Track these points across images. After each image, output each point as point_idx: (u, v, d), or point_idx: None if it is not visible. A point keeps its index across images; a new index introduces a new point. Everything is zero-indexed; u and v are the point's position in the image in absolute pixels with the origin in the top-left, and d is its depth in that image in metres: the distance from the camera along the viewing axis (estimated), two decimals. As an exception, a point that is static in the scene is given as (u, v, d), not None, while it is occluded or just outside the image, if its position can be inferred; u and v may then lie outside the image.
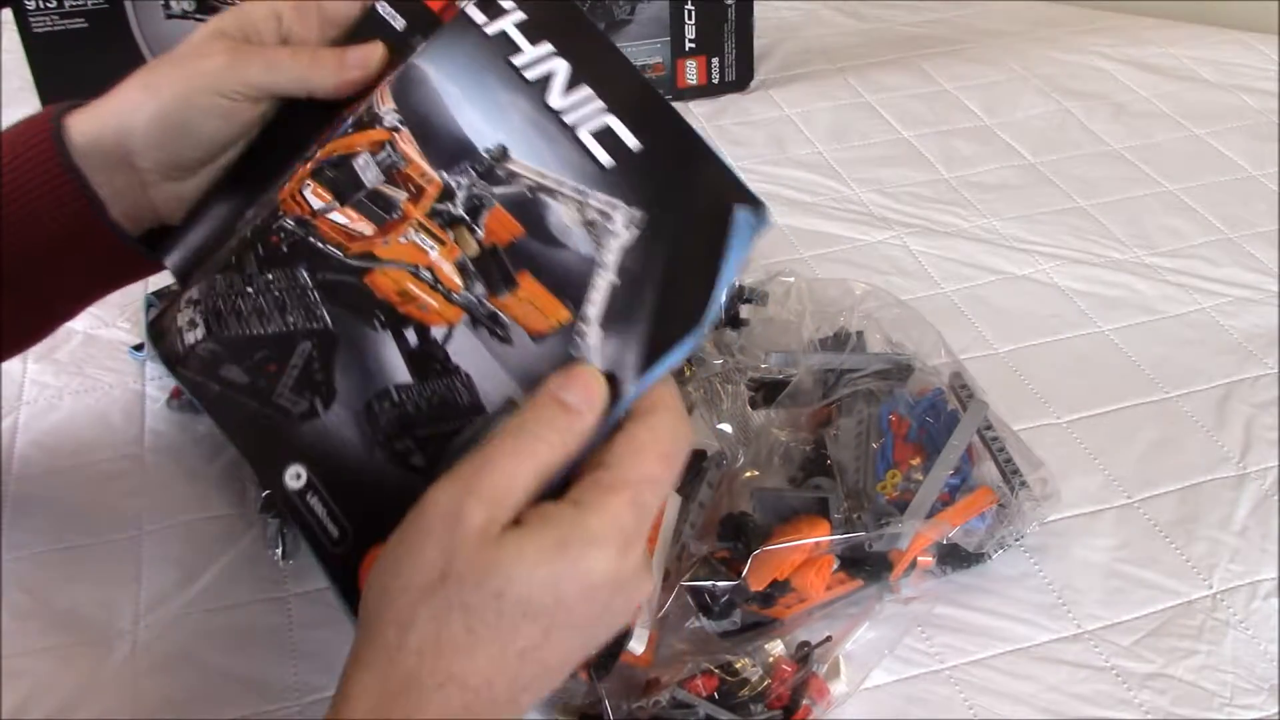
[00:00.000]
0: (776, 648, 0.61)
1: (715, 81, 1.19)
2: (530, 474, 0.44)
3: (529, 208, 0.49)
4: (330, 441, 0.50)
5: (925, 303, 0.87)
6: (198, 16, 1.04)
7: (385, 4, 0.59)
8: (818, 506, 0.64)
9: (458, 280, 0.50)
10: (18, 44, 1.02)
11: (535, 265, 0.49)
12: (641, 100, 0.49)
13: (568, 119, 0.49)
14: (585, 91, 0.49)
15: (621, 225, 0.48)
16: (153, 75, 0.59)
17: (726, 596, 0.62)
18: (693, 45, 1.17)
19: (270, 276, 0.52)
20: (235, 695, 0.62)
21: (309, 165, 0.55)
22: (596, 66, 0.50)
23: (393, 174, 0.52)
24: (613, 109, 0.49)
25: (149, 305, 0.76)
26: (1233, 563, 0.69)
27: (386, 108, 0.53)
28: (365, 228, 0.52)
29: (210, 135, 0.59)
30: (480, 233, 0.50)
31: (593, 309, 0.48)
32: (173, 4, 1.03)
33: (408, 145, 0.52)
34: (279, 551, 0.68)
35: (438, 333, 0.50)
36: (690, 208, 0.47)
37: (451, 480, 0.44)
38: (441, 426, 0.49)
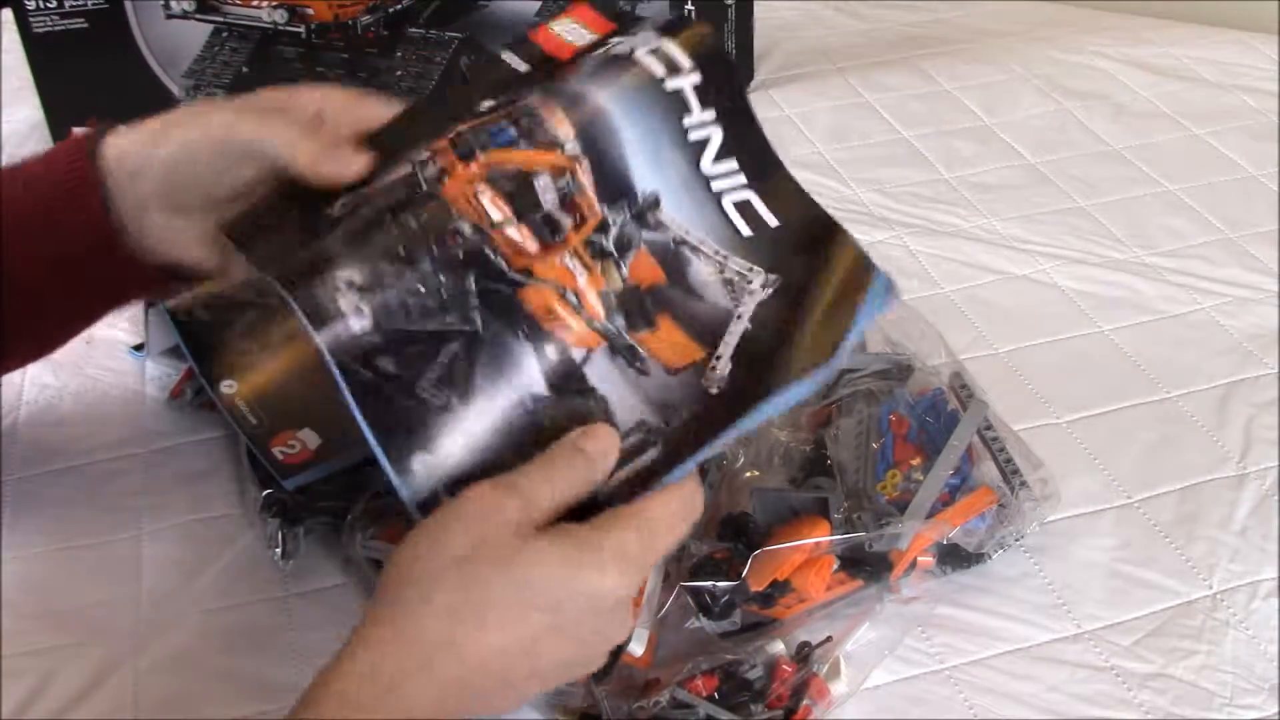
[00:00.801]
0: (776, 648, 0.61)
1: (715, 81, 1.19)
2: (557, 495, 0.50)
3: (671, 258, 0.54)
4: (461, 437, 0.52)
5: (925, 303, 0.87)
6: (198, 17, 1.04)
7: (509, 52, 0.60)
8: (818, 506, 0.64)
9: (600, 309, 0.54)
10: (18, 44, 1.02)
11: (674, 310, 0.54)
12: (779, 183, 0.55)
13: (715, 186, 0.55)
14: (732, 164, 0.55)
15: (759, 285, 0.54)
16: (212, 114, 0.60)
17: (726, 597, 0.62)
18: (693, 45, 1.17)
19: (444, 279, 0.53)
20: (235, 695, 0.62)
21: (474, 168, 0.55)
22: (745, 140, 0.55)
23: (566, 200, 0.54)
24: (753, 185, 0.55)
25: (149, 305, 0.76)
26: (1233, 563, 0.69)
27: (567, 134, 0.55)
28: (532, 245, 0.54)
29: (209, 187, 0.60)
30: (625, 270, 0.54)
31: (727, 349, 0.53)
32: (173, 4, 1.03)
33: (584, 176, 0.54)
34: (279, 551, 0.68)
35: (576, 354, 0.53)
36: (824, 272, 0.53)
37: (492, 482, 0.49)
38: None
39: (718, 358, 0.53)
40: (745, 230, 0.55)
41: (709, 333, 0.53)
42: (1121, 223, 0.99)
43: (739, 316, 0.53)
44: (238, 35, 1.06)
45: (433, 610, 0.47)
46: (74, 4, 1.00)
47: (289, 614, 0.66)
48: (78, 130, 0.63)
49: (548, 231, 0.54)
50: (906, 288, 0.89)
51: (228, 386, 0.69)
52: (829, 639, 0.62)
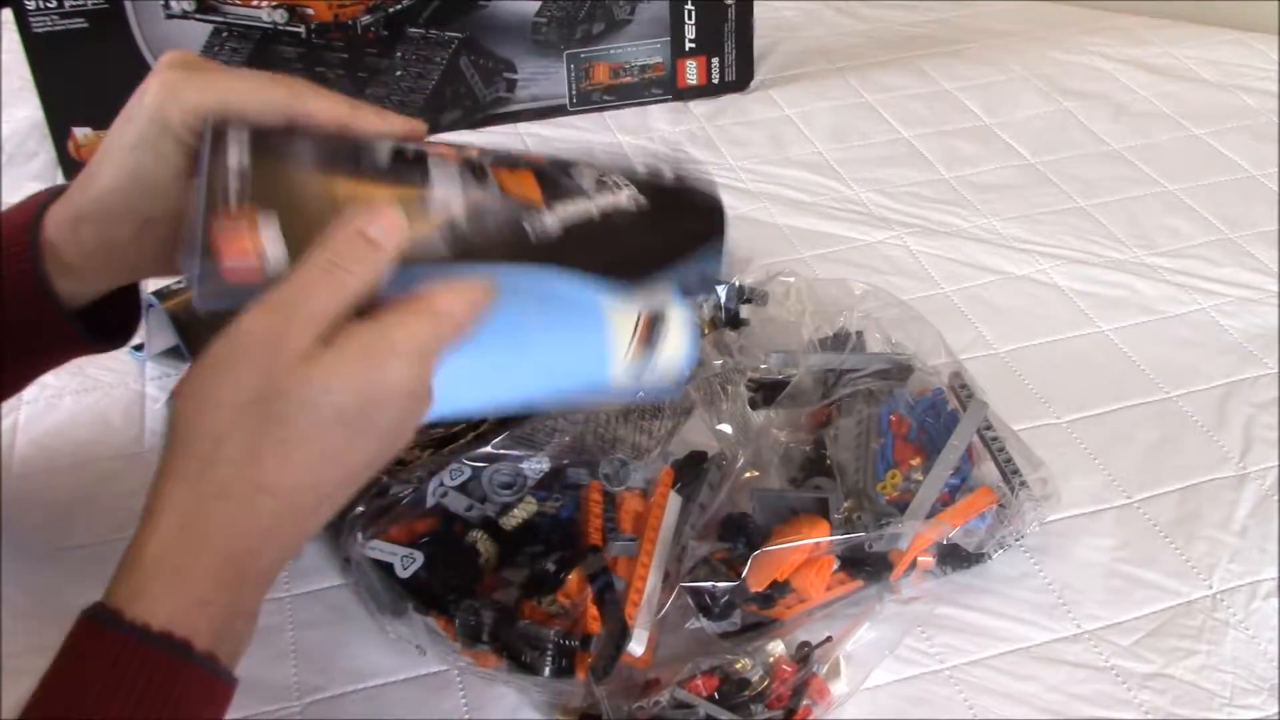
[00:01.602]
0: (777, 648, 0.61)
1: (715, 81, 1.19)
2: (341, 303, 0.48)
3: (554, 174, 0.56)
4: None
5: (925, 303, 0.87)
6: (198, 17, 1.04)
7: None
8: (818, 507, 0.64)
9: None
10: (18, 44, 1.02)
11: (539, 172, 0.56)
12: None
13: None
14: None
15: (625, 195, 0.55)
16: (100, 151, 0.59)
17: (726, 597, 0.62)
18: (693, 45, 1.17)
19: None
20: (235, 695, 0.62)
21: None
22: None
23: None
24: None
25: (149, 305, 0.76)
26: (1233, 563, 0.69)
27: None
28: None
29: (178, 176, 0.57)
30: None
31: (563, 210, 0.54)
32: (173, 4, 1.03)
33: None
34: (279, 551, 0.68)
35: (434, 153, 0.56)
36: (686, 228, 0.56)
37: (268, 308, 0.47)
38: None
39: (550, 209, 0.53)
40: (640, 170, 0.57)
41: (557, 194, 0.54)
42: (1121, 223, 0.99)
43: (589, 199, 0.54)
44: (238, 35, 1.06)
45: (231, 463, 0.46)
46: (74, 4, 1.00)
47: (289, 614, 0.66)
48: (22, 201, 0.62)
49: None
50: (906, 288, 0.89)
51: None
52: (829, 639, 0.62)
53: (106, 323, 0.63)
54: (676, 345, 0.57)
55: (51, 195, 0.60)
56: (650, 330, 0.57)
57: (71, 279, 0.60)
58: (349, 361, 0.47)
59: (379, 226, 0.49)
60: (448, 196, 0.53)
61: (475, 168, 0.55)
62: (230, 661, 0.48)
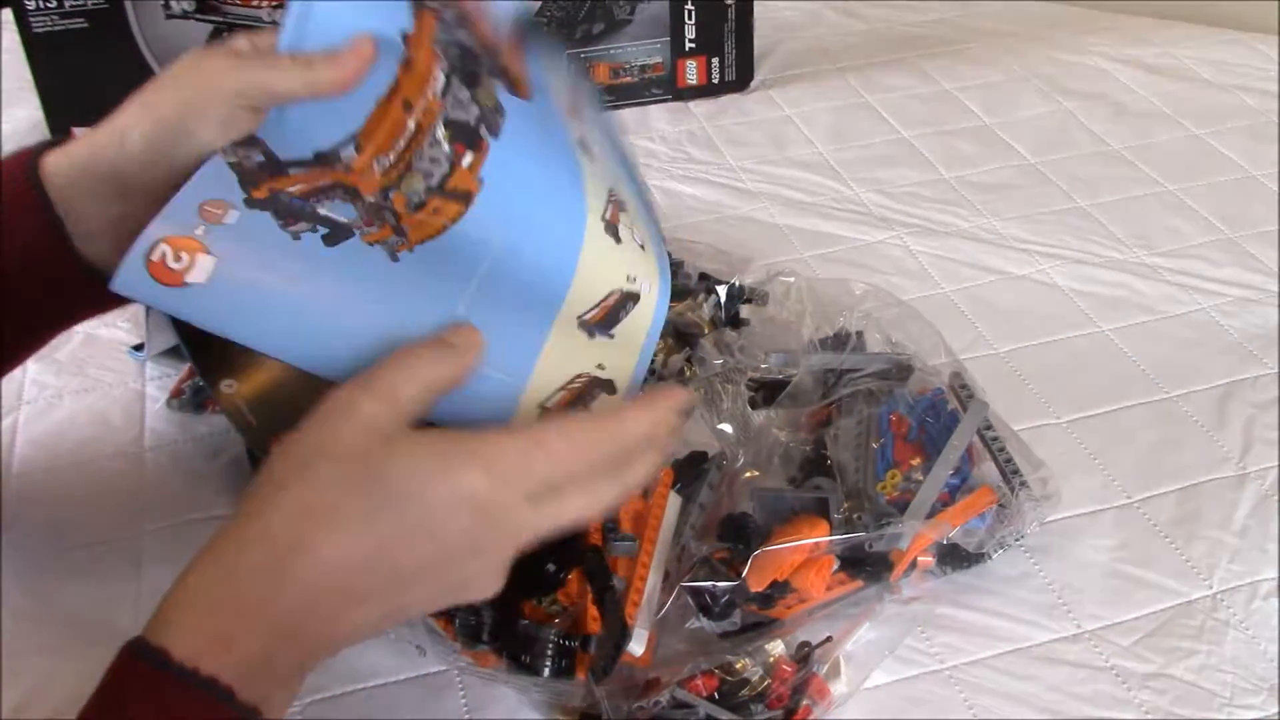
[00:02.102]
0: (777, 648, 0.61)
1: (715, 81, 1.19)
2: (416, 384, 0.49)
3: None
4: None
5: (925, 303, 0.87)
6: (198, 16, 1.04)
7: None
8: (818, 507, 0.64)
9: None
10: (18, 44, 1.02)
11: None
12: None
13: None
14: None
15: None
16: (151, 93, 0.59)
17: (726, 597, 0.62)
18: (693, 45, 1.17)
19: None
20: (235, 695, 0.62)
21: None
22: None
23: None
24: None
25: (148, 306, 0.76)
26: (1233, 563, 0.69)
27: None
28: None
29: (206, 144, 0.58)
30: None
31: None
32: (173, 4, 1.03)
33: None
34: (279, 551, 0.68)
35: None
36: None
37: (351, 382, 0.49)
38: None
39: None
40: None
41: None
42: (1121, 223, 0.99)
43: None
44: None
45: (282, 513, 0.46)
46: (74, 4, 1.00)
47: (289, 614, 0.66)
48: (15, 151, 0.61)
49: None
50: (906, 288, 0.89)
51: (228, 386, 0.69)
52: (829, 639, 0.62)
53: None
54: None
55: (42, 147, 0.59)
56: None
57: (80, 238, 0.59)
58: (427, 451, 0.47)
59: (460, 336, 0.52)
60: None
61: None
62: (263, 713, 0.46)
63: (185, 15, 1.04)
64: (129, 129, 0.58)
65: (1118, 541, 0.70)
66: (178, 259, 0.53)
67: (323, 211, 0.57)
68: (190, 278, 0.53)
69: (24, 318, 0.62)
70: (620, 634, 0.59)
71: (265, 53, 0.60)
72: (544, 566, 0.61)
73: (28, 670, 0.63)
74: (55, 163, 0.59)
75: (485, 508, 0.47)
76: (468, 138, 0.59)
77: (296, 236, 0.56)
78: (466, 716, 0.61)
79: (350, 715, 0.61)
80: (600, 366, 0.56)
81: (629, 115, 1.17)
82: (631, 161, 0.53)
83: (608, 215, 0.58)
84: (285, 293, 0.53)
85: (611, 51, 1.15)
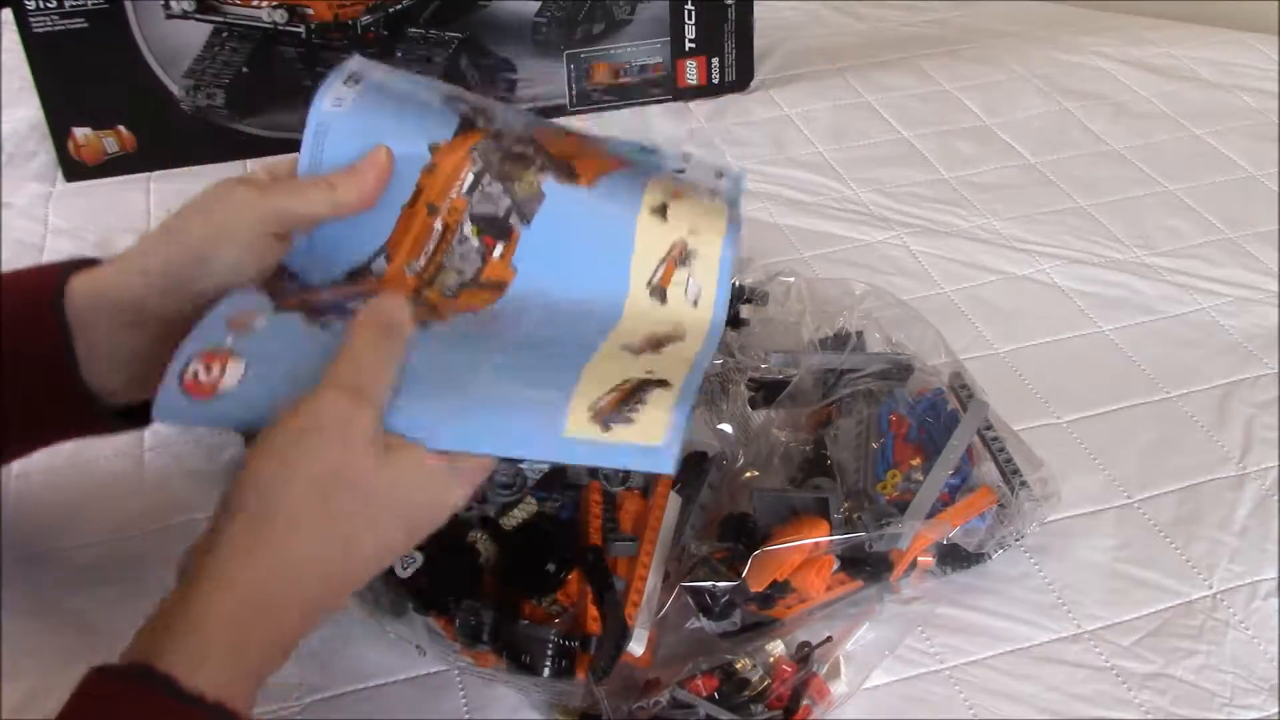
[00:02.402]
0: (777, 648, 0.61)
1: (715, 81, 1.19)
2: (386, 379, 0.52)
3: None
4: None
5: (925, 303, 0.87)
6: (198, 16, 1.04)
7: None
8: (818, 507, 0.64)
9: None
10: (18, 44, 1.02)
11: None
12: None
13: None
14: None
15: None
16: (176, 220, 0.60)
17: (726, 597, 0.62)
18: (693, 45, 1.17)
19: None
20: (235, 695, 0.62)
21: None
22: None
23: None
24: None
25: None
26: (1233, 563, 0.69)
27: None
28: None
29: (228, 273, 0.58)
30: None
31: None
32: (173, 4, 1.03)
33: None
34: (279, 551, 0.68)
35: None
36: None
37: (338, 386, 0.50)
38: None
39: None
40: None
41: None
42: (1121, 223, 0.99)
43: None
44: (238, 35, 1.06)
45: (302, 539, 0.48)
46: (74, 4, 1.00)
47: (289, 614, 0.66)
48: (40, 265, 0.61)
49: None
50: (906, 288, 0.89)
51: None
52: (829, 639, 0.62)
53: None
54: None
55: (69, 269, 0.59)
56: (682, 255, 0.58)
57: (88, 364, 0.59)
58: (415, 474, 0.51)
59: (392, 312, 0.54)
60: None
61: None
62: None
63: (185, 15, 1.04)
64: (151, 256, 0.59)
65: (1118, 541, 0.70)
66: (209, 371, 0.54)
67: (352, 306, 0.56)
68: (223, 385, 0.53)
69: (16, 430, 0.62)
70: (620, 634, 0.59)
71: (285, 179, 0.61)
72: (544, 566, 0.61)
73: (28, 670, 0.63)
74: (80, 288, 0.58)
75: (461, 501, 0.54)
76: (496, 230, 0.60)
77: (325, 326, 0.56)
78: (466, 716, 0.61)
79: (350, 715, 0.61)
80: (648, 371, 0.55)
81: (629, 115, 1.17)
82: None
83: (657, 280, 0.59)
84: (316, 375, 0.52)
85: (611, 51, 1.15)
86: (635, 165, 0.62)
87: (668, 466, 0.51)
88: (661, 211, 0.59)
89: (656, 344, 0.57)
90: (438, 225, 0.60)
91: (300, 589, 0.49)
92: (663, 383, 0.54)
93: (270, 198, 0.59)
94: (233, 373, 0.53)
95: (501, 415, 0.53)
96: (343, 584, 0.51)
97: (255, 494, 0.49)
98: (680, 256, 0.59)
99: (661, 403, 0.53)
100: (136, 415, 0.61)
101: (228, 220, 0.58)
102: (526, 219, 0.60)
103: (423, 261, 0.60)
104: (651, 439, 0.51)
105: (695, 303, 0.59)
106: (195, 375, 0.53)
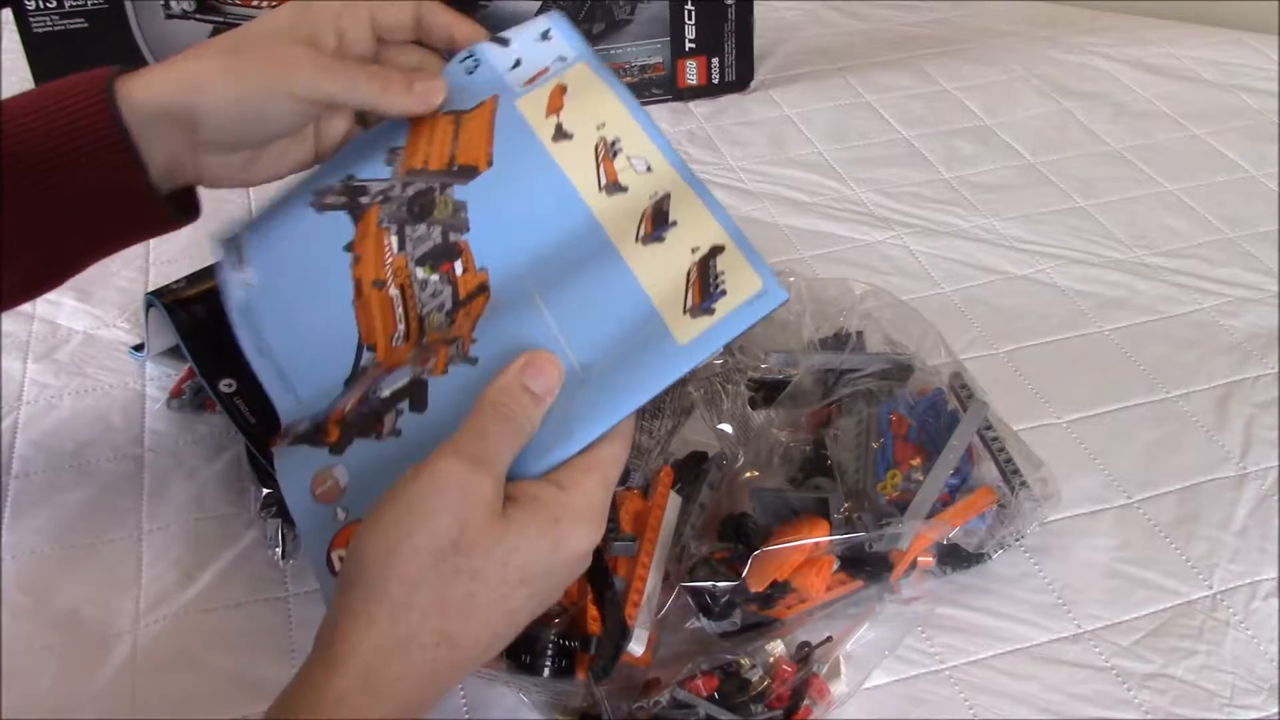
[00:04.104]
0: (777, 648, 0.61)
1: (715, 81, 1.19)
2: (513, 453, 0.51)
3: None
4: None
5: (925, 303, 0.87)
6: (198, 16, 1.04)
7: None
8: (818, 507, 0.64)
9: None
10: (18, 44, 1.02)
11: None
12: None
13: None
14: None
15: None
16: (238, 59, 0.61)
17: (726, 597, 0.62)
18: (693, 45, 1.17)
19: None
20: (235, 695, 0.62)
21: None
22: None
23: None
24: None
25: (149, 305, 0.76)
26: (1233, 563, 0.69)
27: None
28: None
29: (280, 127, 0.63)
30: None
31: None
32: (173, 4, 1.03)
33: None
34: (279, 551, 0.68)
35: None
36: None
37: (458, 453, 0.50)
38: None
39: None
40: None
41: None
42: (1121, 223, 0.99)
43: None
44: (238, 35, 1.06)
45: (422, 611, 0.48)
46: (74, 4, 1.00)
47: (289, 614, 0.66)
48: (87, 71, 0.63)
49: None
50: (906, 288, 0.89)
51: (227, 386, 0.69)
52: (829, 639, 0.62)
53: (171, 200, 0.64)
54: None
55: (117, 73, 0.61)
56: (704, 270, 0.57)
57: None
58: (540, 529, 0.50)
59: (541, 381, 0.53)
60: None
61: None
62: None
63: (185, 15, 1.04)
64: (216, 89, 0.60)
65: (1118, 541, 0.70)
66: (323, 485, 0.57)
67: (387, 393, 0.57)
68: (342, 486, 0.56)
69: (89, 235, 0.64)
70: (620, 634, 0.59)
71: (326, 47, 0.63)
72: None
73: (28, 670, 0.63)
74: (132, 95, 0.60)
75: (590, 547, 0.52)
76: (445, 255, 0.61)
77: (396, 431, 0.56)
78: (466, 716, 0.62)
79: (350, 715, 0.61)
80: (694, 250, 0.56)
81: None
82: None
83: (604, 182, 0.60)
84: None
85: (611, 51, 1.15)
86: (496, 102, 0.63)
87: (781, 294, 0.54)
88: (560, 131, 0.61)
89: (659, 218, 0.58)
90: (394, 291, 0.61)
91: (423, 658, 0.48)
92: (715, 248, 0.56)
93: (322, 82, 0.61)
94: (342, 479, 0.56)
95: (617, 373, 0.54)
96: (471, 653, 0.50)
97: (369, 563, 0.49)
98: (608, 151, 0.60)
99: (733, 260, 0.55)
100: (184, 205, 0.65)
101: (280, 94, 0.61)
102: (462, 229, 0.61)
103: (402, 327, 0.60)
104: (753, 288, 0.54)
105: (649, 168, 0.59)
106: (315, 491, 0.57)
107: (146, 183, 0.61)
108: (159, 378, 0.82)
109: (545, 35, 0.65)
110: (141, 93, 0.60)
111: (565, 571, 0.52)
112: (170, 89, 0.61)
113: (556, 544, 0.50)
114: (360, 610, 0.48)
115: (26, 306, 0.87)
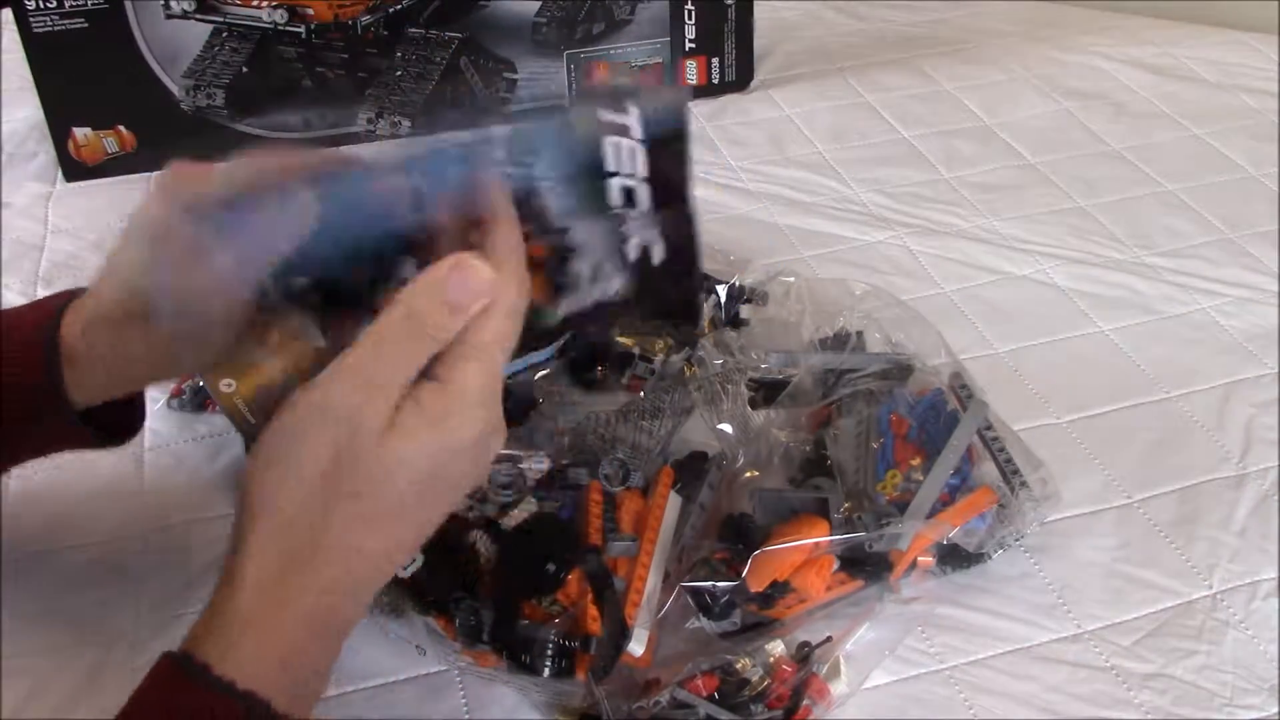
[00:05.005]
0: (777, 648, 0.61)
1: (715, 81, 1.19)
2: (415, 369, 0.48)
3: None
4: None
5: (925, 303, 0.87)
6: (198, 16, 1.04)
7: None
8: (818, 507, 0.64)
9: None
10: (18, 44, 1.02)
11: (550, 273, 0.55)
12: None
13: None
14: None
15: (615, 284, 0.55)
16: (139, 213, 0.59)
17: (726, 597, 0.62)
18: (693, 45, 1.17)
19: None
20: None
21: None
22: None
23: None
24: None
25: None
26: (1233, 563, 0.69)
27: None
28: None
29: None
30: None
31: (565, 305, 0.55)
32: (173, 4, 1.03)
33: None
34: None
35: None
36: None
37: (346, 378, 0.48)
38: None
39: (556, 307, 0.55)
40: (632, 254, 0.56)
41: (562, 292, 0.55)
42: (1121, 223, 0.99)
43: (585, 289, 0.55)
44: (238, 35, 1.06)
45: (312, 526, 0.47)
46: (74, 4, 1.00)
47: (289, 614, 0.66)
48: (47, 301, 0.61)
49: None
50: (906, 288, 0.89)
51: (227, 386, 0.69)
52: (829, 639, 0.62)
53: (110, 420, 0.62)
54: None
55: (69, 297, 0.60)
56: None
57: (81, 384, 0.59)
58: (424, 428, 0.48)
59: (463, 290, 0.48)
60: None
61: None
62: (303, 715, 0.48)
63: (185, 15, 1.04)
64: (124, 268, 0.58)
65: (1118, 541, 0.70)
66: None
67: None
68: None
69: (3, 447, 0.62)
70: (620, 634, 0.59)
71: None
72: (544, 566, 0.61)
73: (28, 670, 0.63)
74: (75, 311, 0.59)
75: (484, 435, 0.50)
76: None
77: None
78: (466, 716, 0.62)
79: (350, 715, 0.61)
80: None
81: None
82: None
83: None
84: None
85: (611, 51, 1.15)
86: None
87: None
88: None
89: None
90: None
91: (318, 573, 0.48)
92: None
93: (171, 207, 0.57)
94: None
95: None
96: (374, 562, 0.49)
97: (254, 490, 0.48)
98: None
99: None
100: (118, 425, 0.63)
101: (137, 253, 0.57)
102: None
103: None
104: None
105: None
106: None
107: (66, 400, 0.58)
108: (159, 378, 0.82)
109: None
110: (78, 312, 0.58)
111: (466, 462, 0.50)
112: (95, 297, 0.58)
113: (445, 440, 0.48)
114: (251, 531, 0.48)
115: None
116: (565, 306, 0.55)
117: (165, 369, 0.61)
